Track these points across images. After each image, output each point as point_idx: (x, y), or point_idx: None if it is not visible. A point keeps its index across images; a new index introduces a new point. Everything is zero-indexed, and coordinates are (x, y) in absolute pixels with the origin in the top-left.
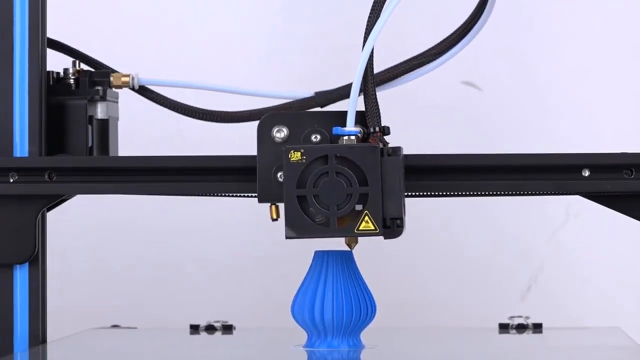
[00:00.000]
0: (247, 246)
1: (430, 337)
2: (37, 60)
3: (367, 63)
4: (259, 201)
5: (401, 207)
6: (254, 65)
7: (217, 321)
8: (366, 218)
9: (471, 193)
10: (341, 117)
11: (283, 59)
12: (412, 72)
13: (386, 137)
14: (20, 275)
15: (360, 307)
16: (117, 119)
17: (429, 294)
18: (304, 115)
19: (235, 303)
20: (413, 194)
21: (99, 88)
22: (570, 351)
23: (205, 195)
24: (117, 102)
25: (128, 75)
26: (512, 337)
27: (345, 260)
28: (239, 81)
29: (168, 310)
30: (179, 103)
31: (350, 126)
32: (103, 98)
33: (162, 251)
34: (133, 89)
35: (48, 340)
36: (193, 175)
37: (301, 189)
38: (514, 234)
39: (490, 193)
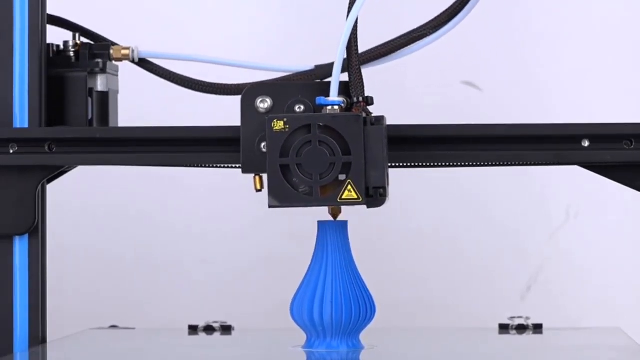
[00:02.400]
0: (247, 247)
1: (430, 337)
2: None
3: (351, 33)
4: (243, 172)
5: (384, 176)
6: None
7: (216, 322)
8: (349, 187)
9: (473, 163)
10: (325, 87)
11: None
12: (410, 46)
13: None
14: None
15: (359, 307)
16: (117, 92)
17: (429, 294)
18: (287, 86)
19: (235, 303)
20: (406, 165)
21: (99, 60)
22: (570, 352)
23: (191, 166)
24: (117, 75)
25: (128, 48)
26: (512, 337)
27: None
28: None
29: (167, 310)
30: (179, 75)
31: (334, 96)
32: (103, 70)
33: (162, 251)
34: (133, 61)
35: (48, 340)
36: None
37: (284, 158)
38: (514, 234)
39: (491, 163)
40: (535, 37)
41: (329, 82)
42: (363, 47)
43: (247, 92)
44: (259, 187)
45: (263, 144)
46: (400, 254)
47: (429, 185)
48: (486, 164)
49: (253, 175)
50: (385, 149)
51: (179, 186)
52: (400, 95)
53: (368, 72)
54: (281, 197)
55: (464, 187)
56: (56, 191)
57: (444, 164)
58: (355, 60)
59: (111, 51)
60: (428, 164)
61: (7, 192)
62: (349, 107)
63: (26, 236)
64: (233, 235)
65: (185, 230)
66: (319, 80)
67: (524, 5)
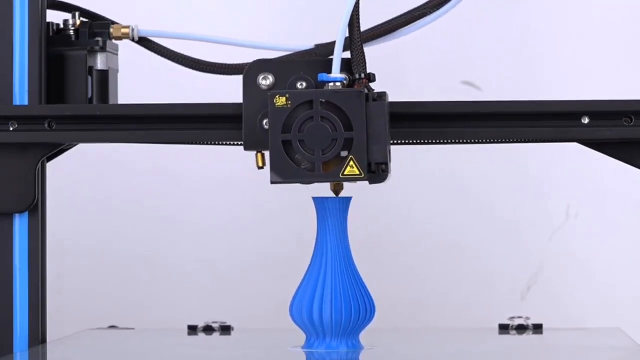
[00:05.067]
0: (247, 247)
1: (430, 337)
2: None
3: (353, 10)
4: (245, 149)
5: (386, 152)
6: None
7: (216, 322)
8: (351, 163)
9: (473, 141)
10: (327, 64)
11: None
12: (410, 25)
13: None
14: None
15: (359, 307)
16: (117, 71)
17: (429, 294)
18: (290, 63)
19: (234, 304)
20: (407, 142)
21: (99, 39)
22: (570, 352)
23: (193, 143)
24: (117, 55)
25: (128, 27)
26: (512, 338)
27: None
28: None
29: (166, 311)
30: (179, 54)
31: (336, 73)
32: (103, 49)
33: (161, 251)
34: (133, 40)
35: (48, 340)
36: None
37: (286, 134)
38: (514, 234)
39: (491, 141)
40: (535, 36)
41: (331, 60)
42: (362, 26)
43: (250, 69)
44: (260, 165)
45: (265, 121)
46: (399, 253)
47: (429, 185)
48: (485, 141)
49: (255, 152)
50: (388, 125)
51: (179, 186)
52: (400, 95)
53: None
54: (283, 173)
55: (464, 186)
56: (56, 190)
57: (443, 141)
58: (357, 37)
59: (111, 30)
60: (426, 142)
61: (7, 169)
62: (351, 84)
63: (26, 214)
64: (233, 235)
65: (185, 229)
66: (321, 58)
67: (525, 4)
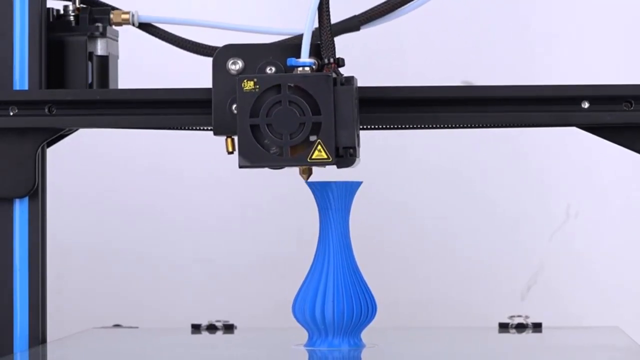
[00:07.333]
0: (249, 245)
1: (430, 337)
2: None
3: None
4: (214, 134)
5: (354, 137)
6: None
7: (219, 321)
8: (319, 147)
9: (474, 125)
10: (296, 49)
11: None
12: (408, 5)
13: None
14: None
15: (361, 306)
16: (117, 57)
17: (430, 293)
18: (259, 47)
19: (237, 302)
20: (410, 126)
21: (99, 25)
22: (569, 351)
23: (164, 128)
24: (117, 40)
25: (128, 13)
26: (512, 336)
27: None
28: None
29: (169, 309)
30: (180, 38)
31: (305, 57)
32: (103, 35)
33: (164, 250)
34: (133, 25)
35: (48, 340)
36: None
37: (254, 118)
38: (514, 234)
39: (490, 125)
40: (535, 35)
41: (300, 44)
42: (361, 8)
43: (219, 54)
44: (230, 149)
45: (234, 106)
46: (400, 253)
47: (430, 185)
48: (485, 125)
49: (225, 137)
50: (356, 109)
51: (179, 185)
52: None
53: (368, 66)
54: (251, 157)
55: (465, 186)
56: (56, 190)
57: (443, 125)
58: (326, 21)
59: (111, 15)
60: (429, 126)
61: (7, 154)
62: (320, 69)
63: (26, 199)
64: (236, 233)
65: (188, 229)
66: (290, 43)
67: (524, 3)
